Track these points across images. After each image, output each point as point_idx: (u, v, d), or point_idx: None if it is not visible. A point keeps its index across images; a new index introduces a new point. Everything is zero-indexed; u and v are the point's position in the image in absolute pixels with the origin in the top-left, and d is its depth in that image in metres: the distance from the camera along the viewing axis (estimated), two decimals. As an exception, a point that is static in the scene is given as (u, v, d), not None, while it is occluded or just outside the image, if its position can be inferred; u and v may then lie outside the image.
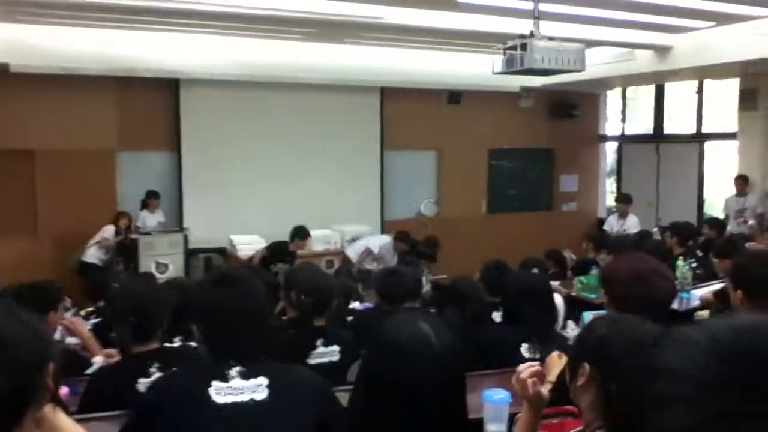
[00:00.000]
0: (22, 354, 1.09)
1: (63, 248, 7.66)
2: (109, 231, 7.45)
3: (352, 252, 7.91)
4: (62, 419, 1.43)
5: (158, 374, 2.40)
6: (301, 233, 7.51)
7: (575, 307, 4.75)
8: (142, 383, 2.38)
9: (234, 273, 1.95)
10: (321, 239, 8.15)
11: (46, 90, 7.63)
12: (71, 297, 6.63)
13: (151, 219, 7.91)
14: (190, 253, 8.02)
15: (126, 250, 7.68)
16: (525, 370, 1.68)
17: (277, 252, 7.26)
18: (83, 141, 7.93)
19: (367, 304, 4.97)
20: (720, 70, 8.32)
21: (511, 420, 1.81)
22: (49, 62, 7.21)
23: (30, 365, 1.10)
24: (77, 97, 7.84)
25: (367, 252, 7.87)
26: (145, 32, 7.34)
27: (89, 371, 2.93)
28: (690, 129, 10.17)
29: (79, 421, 1.69)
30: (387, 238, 8.08)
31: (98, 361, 2.99)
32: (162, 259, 7.54)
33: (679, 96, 10.57)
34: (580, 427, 1.65)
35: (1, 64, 6.96)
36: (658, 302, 2.17)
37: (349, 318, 4.09)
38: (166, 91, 8.26)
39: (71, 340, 3.73)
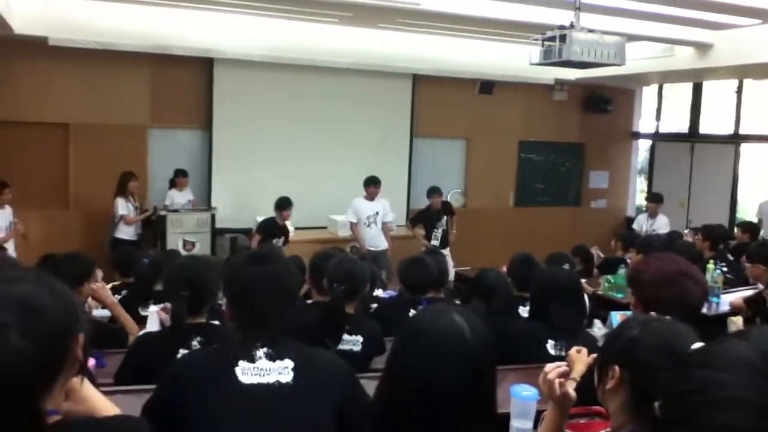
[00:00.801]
0: (54, 322, 1.10)
1: (94, 221, 7.76)
2: (122, 206, 7.39)
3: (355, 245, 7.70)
4: (90, 390, 1.44)
5: (199, 348, 2.45)
6: (280, 204, 7.34)
7: (602, 306, 4.71)
8: (183, 354, 2.41)
9: (268, 251, 1.96)
10: (346, 225, 8.15)
11: (83, 64, 7.70)
12: (101, 270, 6.73)
13: (179, 197, 7.96)
14: (216, 233, 8.08)
15: (152, 225, 7.75)
16: (552, 370, 1.65)
17: (270, 230, 7.27)
18: (117, 116, 8.01)
19: (391, 292, 4.97)
20: (762, 70, 8.11)
21: (538, 417, 1.78)
22: (86, 37, 7.27)
23: (61, 334, 1.11)
24: (112, 72, 7.91)
25: (352, 227, 7.70)
26: (182, 10, 7.35)
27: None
28: (727, 130, 9.96)
29: (105, 393, 1.71)
30: (356, 200, 7.77)
31: (153, 310, 3.06)
32: (189, 237, 7.60)
33: (717, 95, 10.35)
34: (608, 429, 1.62)
35: (40, 37, 7.04)
36: (689, 305, 2.11)
37: (373, 305, 4.08)
38: (200, 69, 8.30)
39: (99, 313, 3.78)
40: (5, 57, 7.43)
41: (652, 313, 1.86)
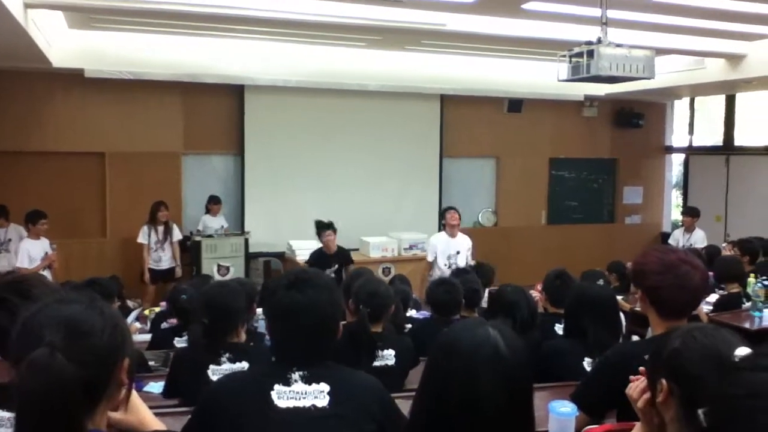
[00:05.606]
0: (100, 346, 1.12)
1: (131, 248, 7.88)
2: (142, 234, 7.42)
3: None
4: (139, 401, 1.48)
5: (228, 364, 2.57)
6: (316, 230, 6.83)
7: (639, 323, 4.62)
8: (213, 370, 2.57)
9: (310, 274, 1.89)
10: (378, 246, 8.16)
11: (117, 94, 7.91)
12: (142, 296, 6.80)
13: (212, 222, 8.05)
14: (250, 257, 8.15)
15: (187, 251, 7.84)
16: (639, 396, 1.60)
17: (318, 262, 6.69)
18: (151, 144, 8.20)
19: (425, 313, 4.94)
20: (797, 80, 7.97)
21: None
22: (120, 68, 7.47)
23: (107, 358, 1.13)
24: (146, 101, 8.11)
25: (427, 266, 6.74)
26: (212, 39, 7.52)
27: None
28: (763, 141, 9.78)
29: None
30: (436, 236, 6.83)
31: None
32: (223, 262, 7.69)
33: (752, 107, 10.18)
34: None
35: (77, 69, 7.26)
36: (690, 290, 2.11)
37: (408, 326, 4.06)
38: (231, 96, 8.45)
39: (138, 338, 3.83)
40: (44, 90, 7.68)
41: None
